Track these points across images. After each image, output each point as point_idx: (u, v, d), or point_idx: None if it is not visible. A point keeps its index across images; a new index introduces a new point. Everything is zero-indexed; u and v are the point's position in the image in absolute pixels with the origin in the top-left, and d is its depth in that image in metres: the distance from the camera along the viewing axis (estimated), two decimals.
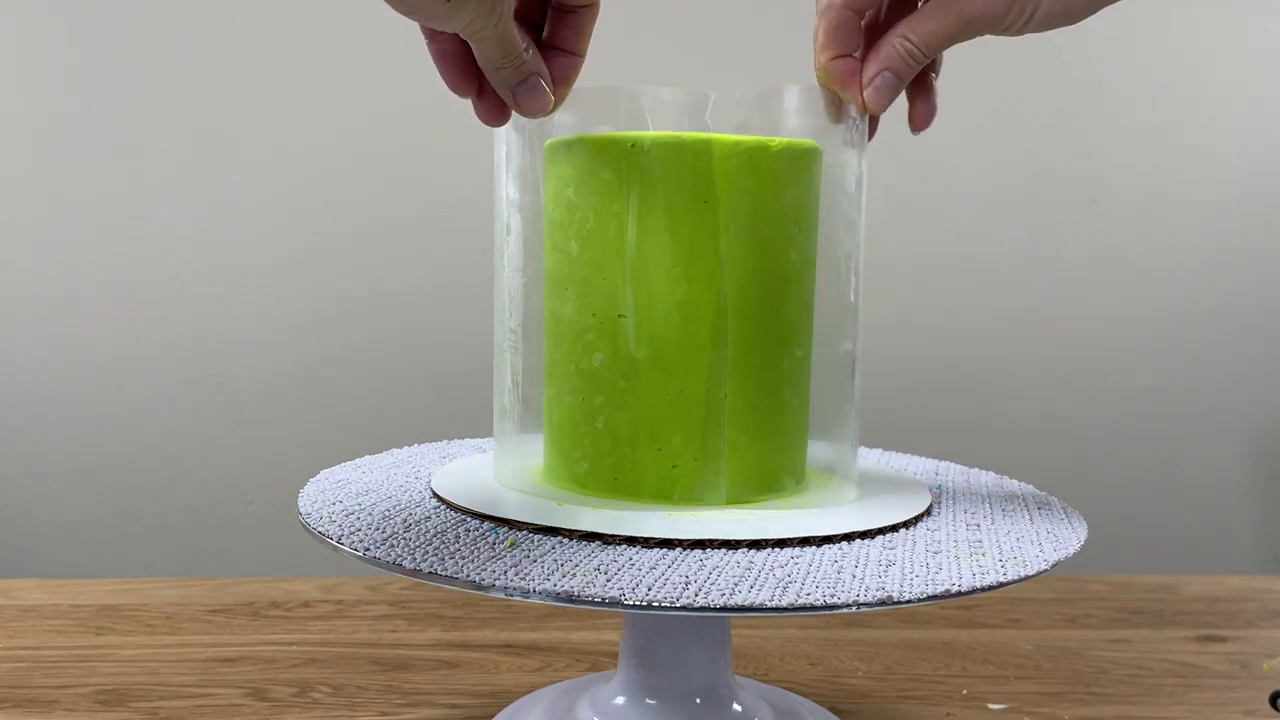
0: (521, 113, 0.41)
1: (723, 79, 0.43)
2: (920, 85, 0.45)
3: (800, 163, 0.42)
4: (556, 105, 0.42)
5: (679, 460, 0.42)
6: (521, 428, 0.46)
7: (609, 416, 0.42)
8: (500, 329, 0.46)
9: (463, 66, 0.40)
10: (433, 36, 0.40)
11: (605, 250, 0.41)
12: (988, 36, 0.42)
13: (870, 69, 0.42)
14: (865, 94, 0.42)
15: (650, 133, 0.41)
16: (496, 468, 0.46)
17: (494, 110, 0.42)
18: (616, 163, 0.41)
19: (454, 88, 0.41)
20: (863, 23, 0.43)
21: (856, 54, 0.43)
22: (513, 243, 0.45)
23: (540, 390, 0.45)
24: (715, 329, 0.41)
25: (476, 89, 0.41)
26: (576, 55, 0.42)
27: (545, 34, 0.42)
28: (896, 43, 0.41)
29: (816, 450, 0.46)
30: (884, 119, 0.45)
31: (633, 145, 0.41)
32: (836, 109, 0.43)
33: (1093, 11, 0.41)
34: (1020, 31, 0.41)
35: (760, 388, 0.42)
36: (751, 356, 0.42)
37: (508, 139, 0.45)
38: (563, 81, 0.42)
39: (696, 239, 0.41)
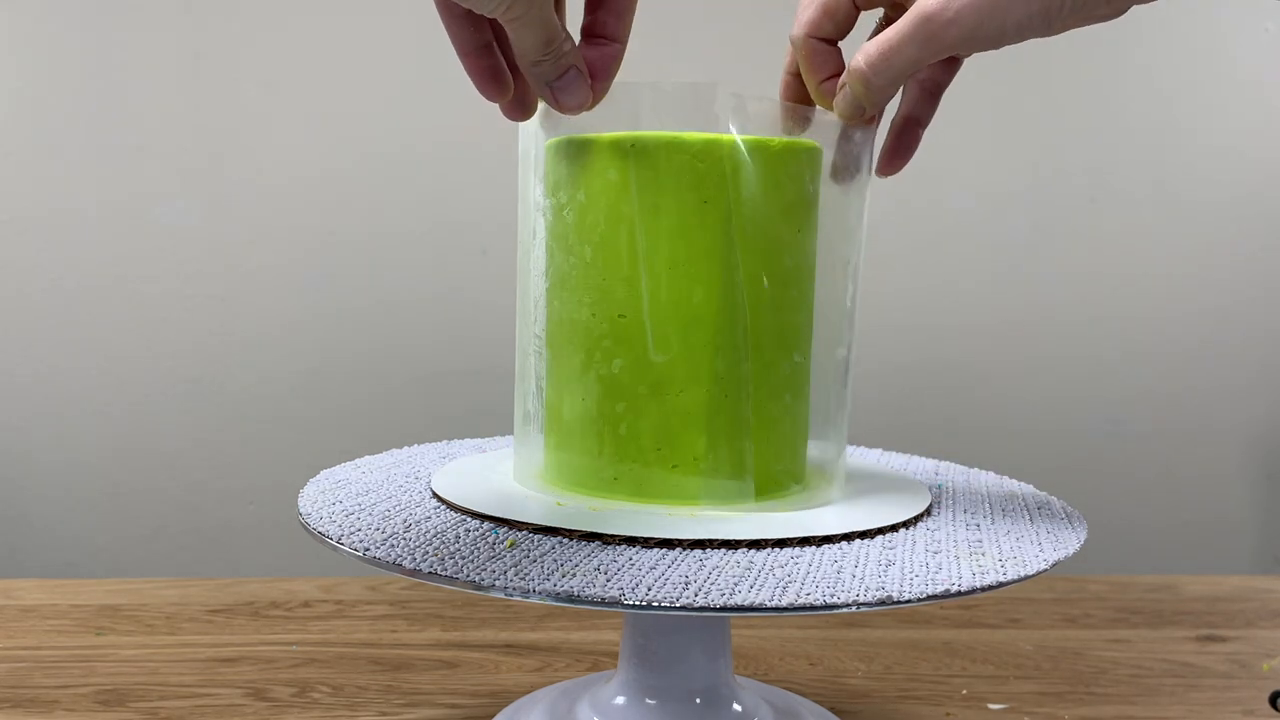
0: (561, 110, 0.39)
1: (722, 78, 0.43)
2: (903, 129, 0.44)
3: (800, 163, 0.42)
4: (597, 100, 0.40)
5: (679, 461, 0.42)
6: (543, 431, 0.46)
7: (616, 419, 0.42)
8: (525, 333, 0.45)
9: (490, 66, 0.39)
10: (458, 36, 0.39)
11: (618, 253, 0.41)
12: None
13: (840, 81, 0.42)
14: (834, 102, 0.42)
15: (651, 133, 0.40)
16: (516, 470, 0.46)
17: (518, 106, 0.41)
18: (619, 163, 0.41)
19: (483, 89, 0.40)
20: (840, 44, 0.43)
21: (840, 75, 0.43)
22: (537, 246, 0.44)
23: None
24: (734, 331, 0.41)
25: (509, 90, 0.40)
26: (618, 43, 0.40)
27: (584, 22, 0.40)
28: (856, 58, 0.40)
29: (811, 452, 0.46)
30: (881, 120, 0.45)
31: (633, 145, 0.40)
32: (792, 125, 0.43)
33: (1066, 30, 0.37)
34: (997, 45, 0.37)
35: (764, 390, 0.42)
36: (758, 359, 0.42)
37: (533, 141, 0.43)
38: (604, 73, 0.40)
39: (704, 241, 0.41)
